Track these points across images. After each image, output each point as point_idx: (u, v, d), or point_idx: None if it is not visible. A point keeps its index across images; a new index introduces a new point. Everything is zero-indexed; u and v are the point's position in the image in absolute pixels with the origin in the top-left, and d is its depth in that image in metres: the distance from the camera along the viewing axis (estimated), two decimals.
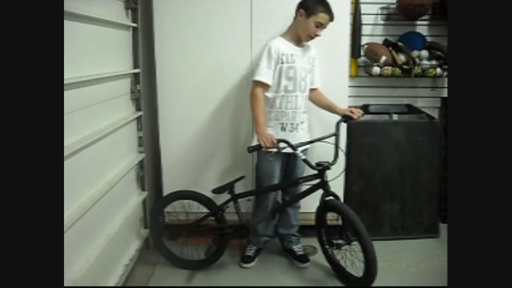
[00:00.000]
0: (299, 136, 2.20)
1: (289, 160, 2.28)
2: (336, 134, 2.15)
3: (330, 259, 2.25)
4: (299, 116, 2.20)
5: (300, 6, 2.12)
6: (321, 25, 2.09)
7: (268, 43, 2.14)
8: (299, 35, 2.15)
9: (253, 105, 2.12)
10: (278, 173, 2.25)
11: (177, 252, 2.40)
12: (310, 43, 2.21)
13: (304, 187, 2.17)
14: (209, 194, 2.27)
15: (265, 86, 2.12)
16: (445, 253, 2.29)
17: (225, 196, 2.24)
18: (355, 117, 2.21)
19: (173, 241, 2.40)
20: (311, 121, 2.37)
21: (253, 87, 2.13)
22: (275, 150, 2.02)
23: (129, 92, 2.31)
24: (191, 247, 2.41)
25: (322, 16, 2.07)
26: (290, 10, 2.34)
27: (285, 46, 2.14)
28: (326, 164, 2.04)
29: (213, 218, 2.29)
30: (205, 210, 2.31)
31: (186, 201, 2.38)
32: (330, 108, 2.30)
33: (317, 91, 2.32)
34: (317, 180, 2.09)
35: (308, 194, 2.15)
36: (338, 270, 2.23)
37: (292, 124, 2.18)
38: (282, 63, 2.12)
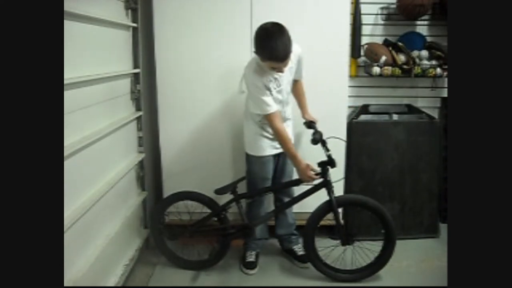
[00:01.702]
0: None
1: (279, 159, 2.28)
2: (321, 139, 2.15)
3: (324, 265, 2.23)
4: (286, 121, 2.21)
5: (254, 49, 1.95)
6: (275, 68, 1.94)
7: (251, 77, 2.01)
8: None
9: (281, 142, 2.07)
10: (271, 175, 2.26)
11: (180, 252, 2.39)
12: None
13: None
14: (209, 194, 2.26)
15: (278, 112, 2.05)
16: (445, 253, 2.29)
17: (227, 196, 2.24)
18: (316, 122, 2.24)
19: (174, 241, 2.40)
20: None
21: (270, 122, 2.03)
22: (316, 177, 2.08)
23: (129, 92, 2.32)
24: (192, 247, 2.41)
25: (271, 64, 1.91)
26: (290, 10, 2.35)
27: (266, 74, 2.01)
28: (328, 161, 2.07)
29: (215, 219, 2.29)
30: (207, 210, 2.31)
31: (188, 201, 2.37)
32: (301, 107, 2.31)
33: (299, 82, 2.26)
34: (320, 180, 2.10)
35: (311, 194, 2.15)
36: (332, 272, 2.23)
37: None
38: (271, 90, 2.04)
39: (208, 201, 2.28)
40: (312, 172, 2.04)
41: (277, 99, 2.07)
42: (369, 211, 2.17)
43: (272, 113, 2.02)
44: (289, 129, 2.21)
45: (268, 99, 2.01)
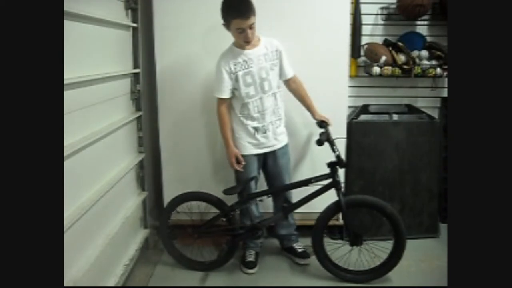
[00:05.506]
0: (271, 135, 2.21)
1: (267, 160, 2.27)
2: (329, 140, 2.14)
3: (333, 264, 2.22)
4: (268, 117, 2.18)
5: (221, 18, 2.04)
6: (243, 30, 1.97)
7: (217, 61, 2.12)
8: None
9: (219, 124, 2.20)
10: (256, 174, 2.25)
11: (187, 253, 2.38)
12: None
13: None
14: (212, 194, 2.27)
15: (227, 100, 2.16)
16: (445, 253, 2.29)
17: (234, 197, 2.22)
18: (330, 123, 2.23)
19: (175, 241, 2.39)
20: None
21: (217, 104, 2.18)
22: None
23: (129, 92, 2.32)
24: (197, 248, 2.40)
25: (236, 23, 1.96)
26: (290, 10, 2.35)
27: (234, 56, 2.10)
28: (337, 161, 2.07)
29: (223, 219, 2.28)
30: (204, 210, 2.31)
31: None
32: (308, 109, 2.29)
33: (293, 80, 2.24)
34: (329, 180, 2.10)
35: (320, 194, 2.13)
36: (340, 272, 2.22)
37: (263, 126, 2.18)
38: (236, 72, 2.09)
39: (217, 201, 2.27)
40: (237, 163, 2.17)
41: (245, 81, 2.10)
42: (381, 214, 2.15)
43: (221, 98, 2.15)
44: (268, 100, 2.16)
45: (221, 82, 2.11)
